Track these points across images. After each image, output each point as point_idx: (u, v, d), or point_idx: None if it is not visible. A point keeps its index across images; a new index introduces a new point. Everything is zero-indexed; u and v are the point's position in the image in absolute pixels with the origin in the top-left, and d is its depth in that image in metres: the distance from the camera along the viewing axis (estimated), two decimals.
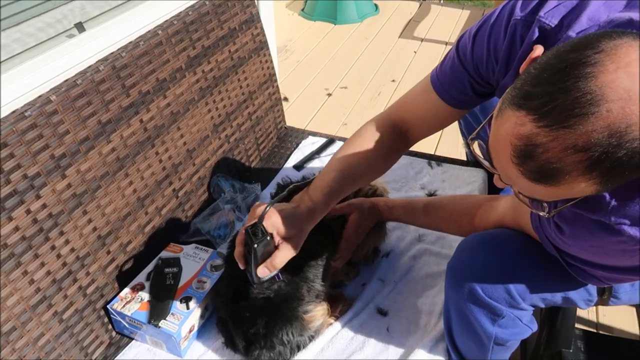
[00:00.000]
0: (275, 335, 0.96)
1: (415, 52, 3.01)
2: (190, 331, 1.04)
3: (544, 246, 0.85)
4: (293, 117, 2.37)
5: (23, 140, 0.88)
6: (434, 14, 3.47)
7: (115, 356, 1.05)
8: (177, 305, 1.04)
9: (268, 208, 0.86)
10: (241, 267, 0.90)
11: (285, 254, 0.88)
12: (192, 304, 1.05)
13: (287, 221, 0.88)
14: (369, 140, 1.00)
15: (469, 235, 0.95)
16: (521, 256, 0.88)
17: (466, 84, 0.91)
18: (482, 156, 0.71)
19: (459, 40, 0.92)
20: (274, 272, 0.89)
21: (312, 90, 2.71)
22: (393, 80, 2.72)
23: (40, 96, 0.93)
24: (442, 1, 3.63)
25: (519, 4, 0.80)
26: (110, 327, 1.09)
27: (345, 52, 3.05)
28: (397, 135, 1.02)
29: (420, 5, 3.62)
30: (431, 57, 2.95)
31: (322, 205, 0.94)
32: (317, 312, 1.01)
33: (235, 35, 1.42)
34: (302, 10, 3.54)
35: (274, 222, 0.87)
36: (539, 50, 0.69)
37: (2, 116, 0.87)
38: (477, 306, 0.88)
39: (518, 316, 0.90)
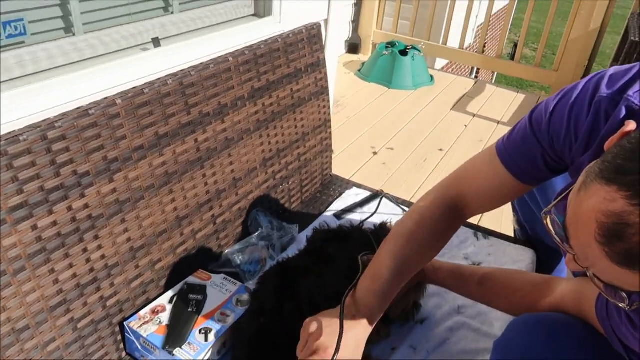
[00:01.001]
0: None
1: (465, 126, 3.00)
2: None
3: (609, 341, 0.76)
4: (337, 168, 2.35)
5: (81, 136, 0.88)
6: (488, 93, 3.48)
7: None
8: (196, 335, 0.98)
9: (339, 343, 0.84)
10: None
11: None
12: (211, 336, 0.99)
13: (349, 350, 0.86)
14: (424, 228, 0.93)
15: (519, 314, 0.87)
16: (580, 346, 0.79)
17: (538, 156, 0.84)
18: (555, 233, 0.65)
19: (532, 112, 0.87)
20: None
21: (358, 146, 2.70)
22: (440, 150, 2.69)
23: (106, 98, 0.93)
24: (494, 81, 3.65)
25: (605, 81, 0.75)
26: (121, 346, 1.03)
27: (396, 115, 3.06)
28: (453, 216, 0.94)
29: (475, 83, 3.65)
30: (481, 133, 2.93)
31: (377, 310, 0.91)
32: None
33: (300, 75, 1.43)
34: (359, 70, 3.61)
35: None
36: (632, 125, 0.65)
37: (66, 110, 0.88)
38: None
39: None
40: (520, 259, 1.36)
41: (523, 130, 0.85)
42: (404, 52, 3.41)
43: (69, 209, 0.88)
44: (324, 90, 1.56)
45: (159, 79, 1.03)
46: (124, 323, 1.00)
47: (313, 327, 0.87)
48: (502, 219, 2.13)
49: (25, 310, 0.84)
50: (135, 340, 0.99)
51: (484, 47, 3.78)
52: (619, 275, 0.56)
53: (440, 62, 4.20)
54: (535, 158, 0.84)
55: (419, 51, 3.46)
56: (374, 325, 0.92)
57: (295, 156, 1.48)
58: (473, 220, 1.56)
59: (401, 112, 3.12)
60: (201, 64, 1.13)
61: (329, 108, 1.60)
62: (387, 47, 3.45)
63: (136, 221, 1.01)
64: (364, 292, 0.91)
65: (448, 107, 3.23)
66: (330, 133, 1.64)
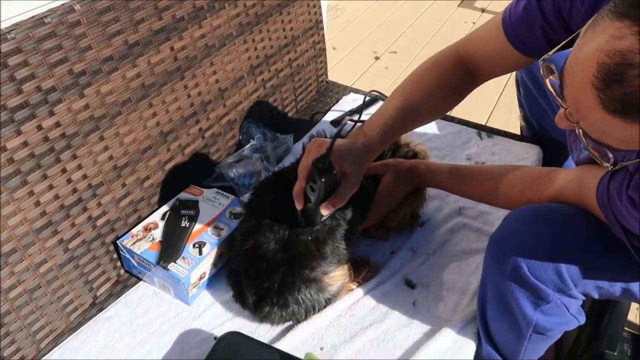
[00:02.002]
0: (290, 293, 0.88)
1: (474, 23, 2.81)
2: (201, 279, 0.97)
3: (610, 227, 0.72)
4: (337, 76, 2.25)
5: (39, 48, 0.81)
6: None
7: (121, 295, 1.00)
8: (190, 250, 0.97)
9: (334, 141, 0.80)
10: (299, 206, 0.84)
11: (347, 190, 0.85)
12: (205, 249, 0.97)
13: (346, 157, 0.84)
14: (433, 73, 0.94)
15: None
16: (579, 235, 0.75)
17: (538, 29, 0.80)
18: (550, 81, 0.61)
19: None
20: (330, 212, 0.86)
21: (359, 51, 2.57)
22: None
23: (63, 4, 0.85)
24: None
25: None
26: (119, 264, 1.03)
27: (399, 17, 2.88)
28: (463, 71, 0.93)
29: None
30: None
31: (378, 142, 0.90)
32: (337, 274, 0.91)
33: None
34: None
35: (335, 158, 0.82)
36: None
37: (20, 20, 0.80)
38: (519, 286, 0.76)
39: (565, 304, 0.78)
40: (526, 156, 1.31)
41: (528, 2, 0.82)
42: None
43: (39, 128, 0.83)
44: None
45: None
46: (117, 242, 0.99)
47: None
48: (510, 118, 2.05)
49: (9, 233, 0.82)
50: (130, 258, 0.99)
51: None
52: (609, 127, 0.53)
53: None
54: (534, 31, 0.81)
55: None
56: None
57: (285, 62, 1.40)
58: (478, 119, 1.50)
59: (404, 12, 2.93)
60: None
61: (319, 7, 1.48)
62: None
63: (116, 138, 0.96)
64: (368, 125, 0.92)
65: (455, 3, 3.02)
66: (324, 36, 1.53)
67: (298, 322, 0.92)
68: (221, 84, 1.19)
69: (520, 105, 1.35)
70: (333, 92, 1.58)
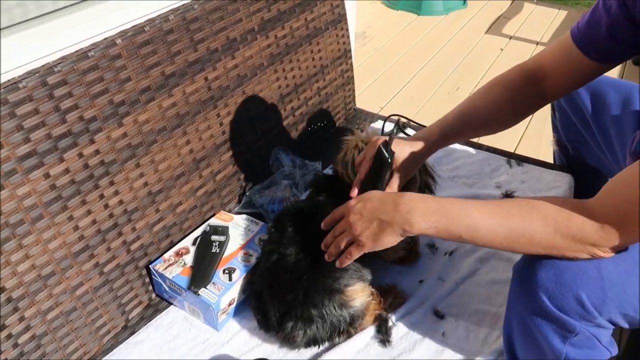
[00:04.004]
0: (315, 304, 0.87)
1: (501, 50, 2.82)
2: (230, 304, 0.98)
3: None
4: (365, 103, 2.27)
5: (83, 80, 0.85)
6: (526, 12, 3.23)
7: (152, 318, 1.01)
8: (220, 275, 0.99)
9: (395, 132, 0.85)
10: (353, 194, 0.90)
11: (403, 178, 0.91)
12: (235, 276, 0.99)
13: (405, 147, 0.91)
14: (498, 82, 0.96)
15: None
16: (596, 260, 0.72)
17: (603, 27, 0.81)
18: None
19: None
20: None
21: (387, 78, 2.60)
22: (474, 76, 2.55)
23: (105, 38, 0.89)
24: (536, 0, 3.38)
25: None
26: (150, 288, 1.05)
27: (427, 43, 2.90)
28: (530, 82, 0.93)
29: (512, 3, 3.39)
30: (519, 56, 2.74)
31: (437, 140, 0.95)
32: (358, 287, 0.92)
33: (314, 3, 1.34)
34: None
35: (395, 147, 0.88)
36: None
37: (66, 54, 0.85)
38: (544, 319, 0.73)
39: (595, 334, 0.74)
40: (557, 184, 1.29)
41: (595, 5, 0.85)
42: None
43: (80, 155, 0.87)
44: (342, 17, 1.47)
45: (160, 15, 0.98)
46: (150, 266, 1.01)
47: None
48: (541, 146, 2.03)
49: (49, 257, 0.85)
50: (162, 282, 1.01)
51: None
52: None
53: None
54: (600, 30, 0.83)
55: None
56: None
57: (314, 90, 1.42)
58: (507, 147, 1.49)
59: (432, 39, 2.95)
60: None
61: (348, 37, 1.51)
62: None
63: (151, 165, 1.00)
64: (429, 127, 0.97)
65: (482, 30, 3.04)
66: (352, 65, 1.56)
67: (322, 341, 0.92)
68: (252, 113, 1.22)
69: (555, 129, 1.33)
70: (361, 119, 1.60)
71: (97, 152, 0.89)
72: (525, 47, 2.84)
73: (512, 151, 1.52)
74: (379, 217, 0.77)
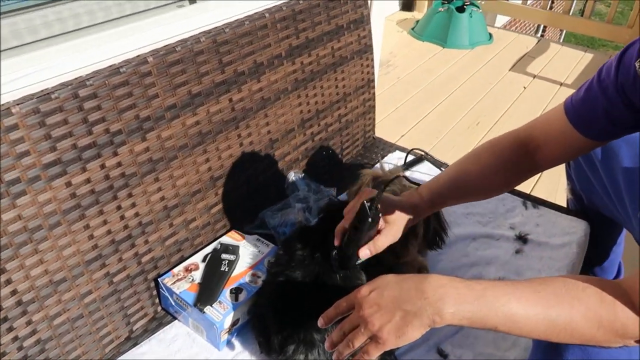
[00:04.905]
0: (318, 330, 0.85)
1: (524, 88, 2.82)
2: (234, 325, 0.98)
3: None
4: (384, 131, 2.29)
5: (112, 95, 0.88)
6: (552, 52, 3.24)
7: (156, 332, 1.02)
8: (227, 295, 0.99)
9: (384, 188, 0.85)
10: (336, 242, 0.88)
11: (387, 238, 0.88)
12: (241, 296, 0.99)
13: (394, 206, 0.89)
14: (490, 151, 0.95)
15: None
16: None
17: (599, 108, 0.80)
18: None
19: (603, 65, 0.81)
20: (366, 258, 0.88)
21: (407, 108, 2.61)
22: (496, 112, 2.55)
23: (138, 56, 0.92)
24: (562, 41, 3.39)
25: None
26: (157, 301, 1.06)
27: (450, 76, 2.92)
28: (522, 152, 0.92)
29: (538, 41, 3.41)
30: (542, 95, 2.74)
31: (425, 205, 0.94)
32: None
33: (342, 33, 1.37)
34: (412, 29, 3.45)
35: (383, 205, 0.87)
36: None
37: (99, 68, 0.87)
38: None
39: None
40: (572, 230, 1.28)
41: (589, 82, 0.83)
42: (461, 9, 3.21)
43: (102, 167, 0.89)
44: (368, 48, 1.49)
45: (192, 36, 1.01)
46: (159, 279, 1.02)
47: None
48: (557, 189, 2.01)
49: (62, 263, 0.87)
50: (169, 297, 1.02)
51: (552, 2, 3.50)
52: None
53: (501, 20, 3.95)
54: (596, 110, 0.81)
55: (478, 7, 3.25)
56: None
57: (335, 117, 1.44)
58: (524, 188, 1.48)
59: (455, 72, 2.97)
60: (236, 20, 1.09)
61: (372, 67, 1.53)
62: (443, 4, 3.27)
63: (170, 180, 1.01)
64: (421, 188, 0.97)
65: (506, 67, 3.05)
66: (374, 94, 1.58)
67: None
68: (272, 135, 1.24)
69: (569, 178, 1.33)
70: (379, 148, 1.61)
71: (119, 164, 0.91)
72: (549, 87, 2.84)
73: (528, 192, 1.51)
74: (402, 308, 0.67)
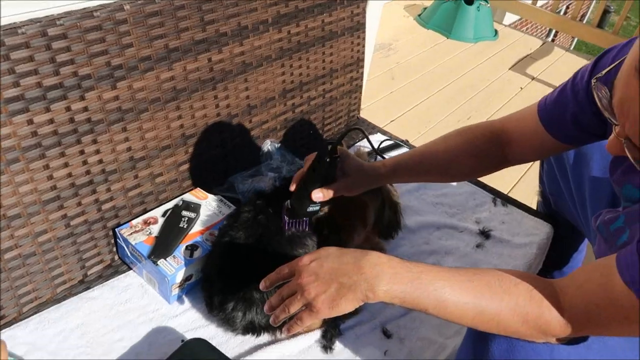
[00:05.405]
0: (257, 289, 0.82)
1: (521, 88, 2.81)
2: (186, 280, 1.00)
3: None
4: (372, 114, 2.28)
5: (84, 38, 0.87)
6: (554, 57, 3.22)
7: (110, 279, 1.04)
8: (182, 250, 1.00)
9: (344, 135, 0.90)
10: (292, 188, 0.89)
11: (340, 186, 0.90)
12: (196, 253, 1.00)
13: (353, 161, 0.91)
14: (462, 136, 0.96)
15: None
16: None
17: (568, 110, 0.81)
18: (600, 98, 0.61)
19: (579, 69, 0.83)
20: (317, 206, 0.89)
21: (401, 94, 2.60)
22: (488, 109, 2.55)
23: (115, 1, 0.91)
24: (571, 48, 3.36)
25: None
26: (115, 249, 1.07)
27: (448, 67, 2.90)
28: (493, 143, 0.93)
29: (543, 44, 3.38)
30: (537, 97, 2.67)
31: (387, 173, 0.96)
32: None
33: (334, 7, 1.36)
34: (419, 15, 3.42)
35: (342, 157, 0.89)
36: None
37: (71, 9, 0.86)
38: None
39: None
40: (535, 232, 1.29)
41: (564, 85, 0.85)
42: (469, 1, 3.18)
43: (67, 109, 0.89)
44: (360, 26, 1.48)
45: None
46: (116, 229, 1.03)
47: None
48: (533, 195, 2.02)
49: (18, 199, 0.87)
50: (125, 247, 1.03)
51: (567, 8, 3.46)
52: None
53: (511, 18, 3.91)
54: (565, 112, 0.82)
55: (486, 2, 3.22)
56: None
57: (319, 92, 1.44)
58: (496, 185, 1.49)
59: (454, 64, 2.95)
60: None
61: (363, 47, 1.52)
62: None
63: (138, 132, 1.01)
64: (387, 159, 0.98)
65: (507, 65, 3.03)
66: (362, 74, 1.57)
67: (261, 329, 0.93)
68: (251, 101, 1.24)
69: (541, 181, 1.34)
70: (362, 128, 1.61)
71: (85, 109, 0.91)
72: (545, 91, 2.80)
73: (506, 192, 1.52)
74: (338, 280, 0.68)
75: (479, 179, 1.44)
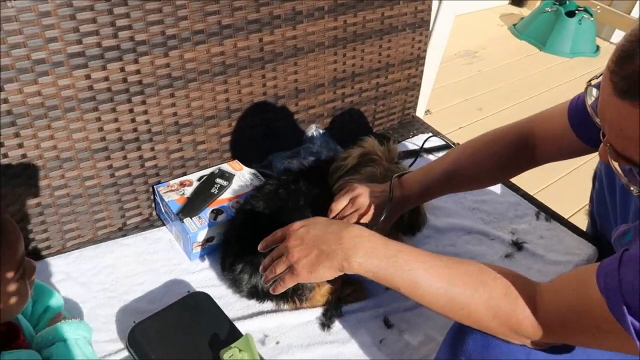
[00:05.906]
0: (266, 255, 0.86)
1: None
2: (208, 242, 1.07)
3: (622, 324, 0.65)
4: (440, 119, 2.25)
5: (143, 6, 0.96)
6: None
7: (145, 231, 1.14)
8: (208, 213, 1.08)
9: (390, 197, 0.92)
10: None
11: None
12: (220, 217, 1.07)
13: (376, 206, 0.92)
14: (488, 143, 0.95)
15: None
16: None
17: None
18: (591, 105, 0.61)
19: None
20: None
21: (475, 104, 2.52)
22: None
23: None
24: None
25: None
26: (153, 205, 1.17)
27: (534, 81, 2.76)
28: (522, 147, 0.92)
29: None
30: None
31: (415, 196, 0.96)
32: None
33: (397, 1, 1.37)
34: (514, 25, 3.28)
35: (362, 203, 0.91)
36: None
37: None
38: None
39: None
40: (576, 252, 1.22)
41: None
42: (571, 13, 3.00)
43: (122, 69, 0.99)
44: (424, 23, 1.47)
45: None
46: (154, 186, 1.13)
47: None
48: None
49: (71, 144, 0.99)
50: (160, 203, 1.12)
51: None
52: (623, 120, 0.52)
53: (620, 35, 3.62)
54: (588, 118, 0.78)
55: (591, 15, 3.01)
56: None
57: (372, 85, 1.45)
58: (545, 200, 1.41)
59: (542, 77, 2.80)
60: None
61: (425, 45, 1.52)
62: (554, 4, 3.06)
63: (185, 100, 1.10)
64: (408, 180, 0.97)
65: None
66: (422, 72, 1.56)
67: (264, 296, 0.98)
68: (299, 85, 1.29)
69: (590, 200, 1.26)
70: (414, 127, 1.60)
71: (138, 71, 1.01)
72: None
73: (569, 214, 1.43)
74: (319, 247, 0.71)
75: (525, 191, 1.39)
